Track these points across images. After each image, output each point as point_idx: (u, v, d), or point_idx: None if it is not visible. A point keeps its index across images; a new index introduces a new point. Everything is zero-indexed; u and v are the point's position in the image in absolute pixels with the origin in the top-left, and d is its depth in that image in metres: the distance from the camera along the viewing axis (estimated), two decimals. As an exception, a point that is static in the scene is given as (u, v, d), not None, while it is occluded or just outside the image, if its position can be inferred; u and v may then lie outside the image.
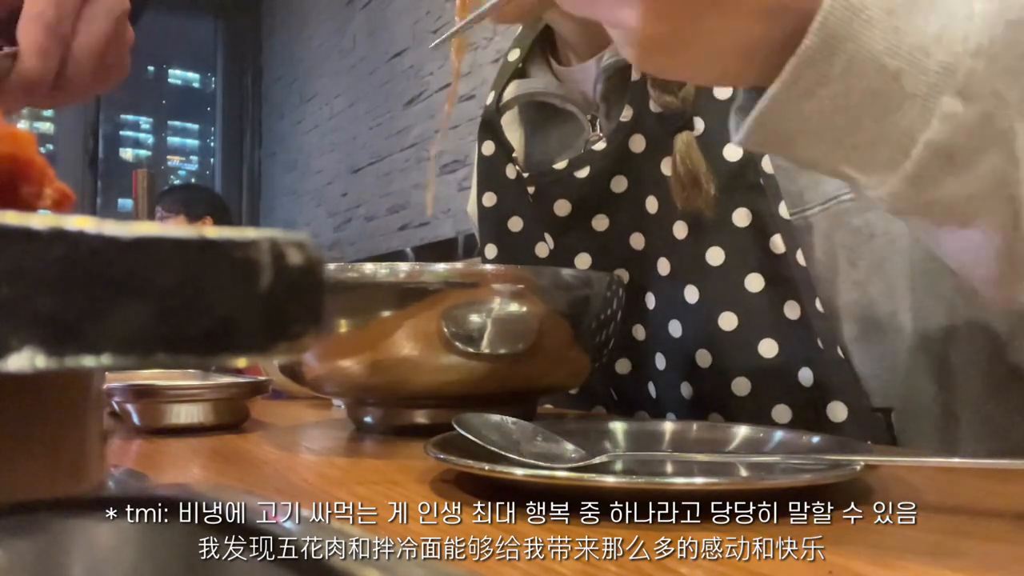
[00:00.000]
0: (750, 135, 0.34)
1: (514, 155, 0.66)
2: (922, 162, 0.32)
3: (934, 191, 0.33)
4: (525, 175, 0.65)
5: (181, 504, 0.15)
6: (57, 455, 0.21)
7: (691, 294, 0.57)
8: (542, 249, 0.65)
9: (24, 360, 0.12)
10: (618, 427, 0.44)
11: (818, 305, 0.53)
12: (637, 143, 0.59)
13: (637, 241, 0.61)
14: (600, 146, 0.61)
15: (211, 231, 0.14)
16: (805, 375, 0.52)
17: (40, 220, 0.13)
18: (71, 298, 0.13)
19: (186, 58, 4.80)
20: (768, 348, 0.53)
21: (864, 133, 0.33)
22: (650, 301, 0.61)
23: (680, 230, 0.57)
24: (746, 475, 0.36)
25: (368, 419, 0.56)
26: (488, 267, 0.50)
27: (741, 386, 0.55)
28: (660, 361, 0.61)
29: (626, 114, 0.59)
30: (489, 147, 0.68)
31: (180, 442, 0.53)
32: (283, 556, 0.13)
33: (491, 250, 0.67)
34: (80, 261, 0.13)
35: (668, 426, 0.44)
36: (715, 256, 0.55)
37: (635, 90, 0.58)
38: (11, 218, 0.12)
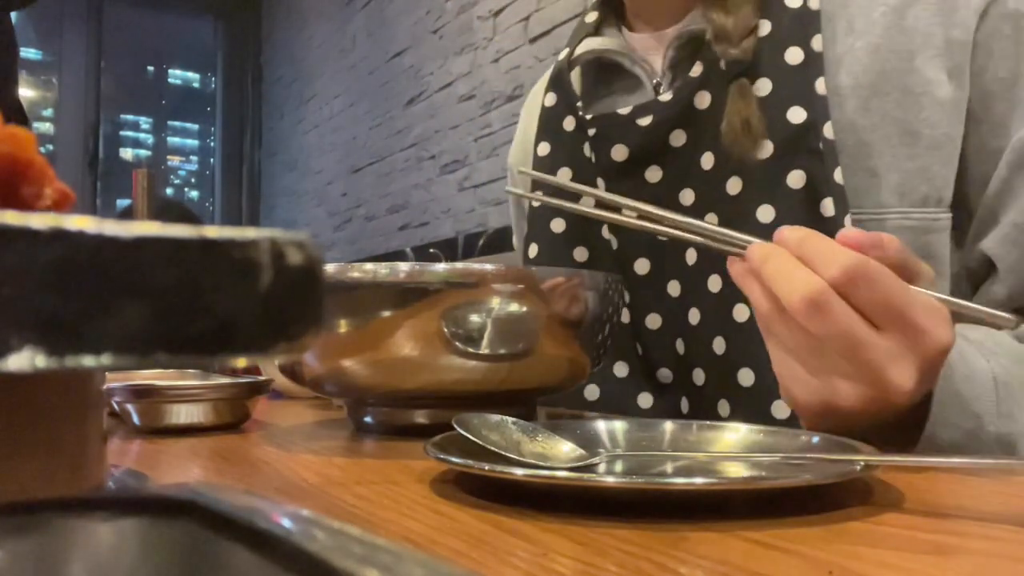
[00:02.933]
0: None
1: (578, 104, 0.68)
2: None
3: None
4: (588, 117, 0.66)
5: (181, 504, 0.15)
6: (57, 455, 0.21)
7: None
8: (588, 200, 0.66)
9: (24, 360, 0.12)
10: (618, 427, 0.44)
11: None
12: (702, 99, 0.61)
13: (686, 196, 0.63)
14: (666, 97, 0.63)
15: (211, 231, 0.14)
16: None
17: (40, 220, 0.13)
18: (71, 298, 0.13)
19: (186, 58, 4.80)
20: None
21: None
22: (690, 257, 0.63)
23: (733, 186, 0.59)
24: (746, 475, 0.36)
25: (368, 419, 0.56)
26: (488, 267, 0.50)
27: None
28: (694, 316, 0.62)
29: (696, 70, 0.62)
30: (551, 98, 0.70)
31: (180, 442, 0.53)
32: (283, 556, 0.13)
33: (540, 195, 0.69)
34: (80, 261, 0.13)
35: (668, 426, 0.44)
36: (765, 213, 0.57)
37: (708, 49, 0.61)
38: (11, 218, 0.12)
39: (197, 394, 0.57)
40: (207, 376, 0.65)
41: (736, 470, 0.38)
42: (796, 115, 0.57)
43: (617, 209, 0.53)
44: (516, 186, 0.81)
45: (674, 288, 0.64)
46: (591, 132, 0.66)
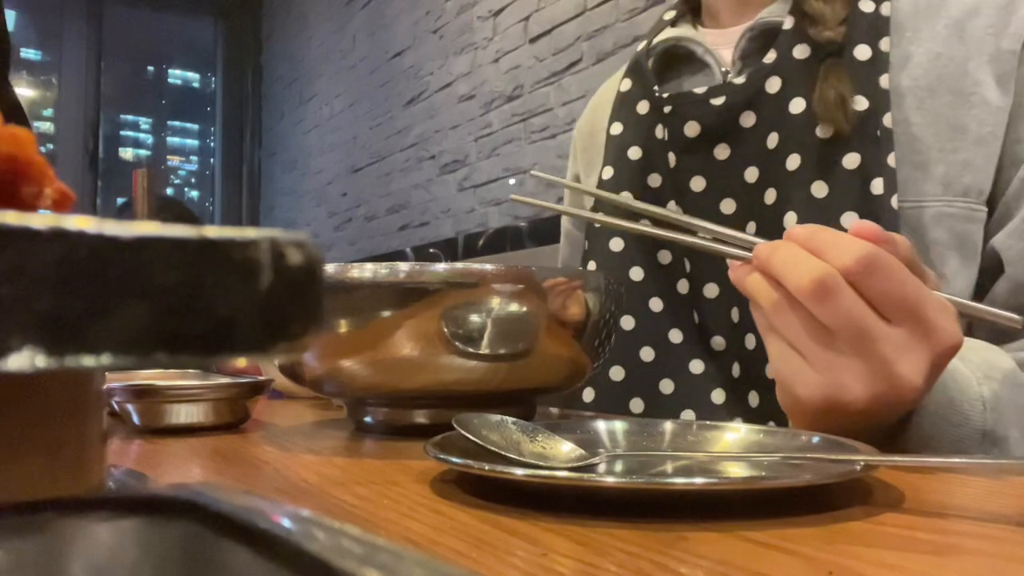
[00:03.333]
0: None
1: (654, 87, 0.74)
2: None
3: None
4: (665, 95, 0.72)
5: (181, 504, 0.15)
6: (57, 455, 0.21)
7: (790, 221, 0.63)
8: (654, 179, 0.72)
9: (24, 360, 0.12)
10: (618, 427, 0.44)
11: None
12: (773, 84, 0.66)
13: (751, 174, 0.68)
14: (740, 80, 0.68)
15: (211, 231, 0.14)
16: None
17: (40, 220, 0.13)
18: (71, 298, 0.13)
19: (186, 58, 4.80)
20: None
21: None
22: (751, 228, 0.67)
23: (792, 162, 0.63)
24: (746, 475, 0.36)
25: (368, 419, 0.56)
26: (488, 267, 0.50)
27: None
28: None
29: (769, 57, 0.67)
30: (627, 84, 0.77)
31: (180, 442, 0.53)
32: (283, 556, 0.13)
33: (608, 171, 0.74)
34: (80, 261, 0.13)
35: (668, 426, 0.44)
36: (819, 189, 0.62)
37: (783, 38, 0.67)
38: (11, 218, 0.12)
39: (197, 394, 0.57)
40: (207, 376, 0.64)
41: (736, 470, 0.38)
42: (859, 103, 0.61)
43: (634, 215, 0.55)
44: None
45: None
46: (667, 109, 0.71)
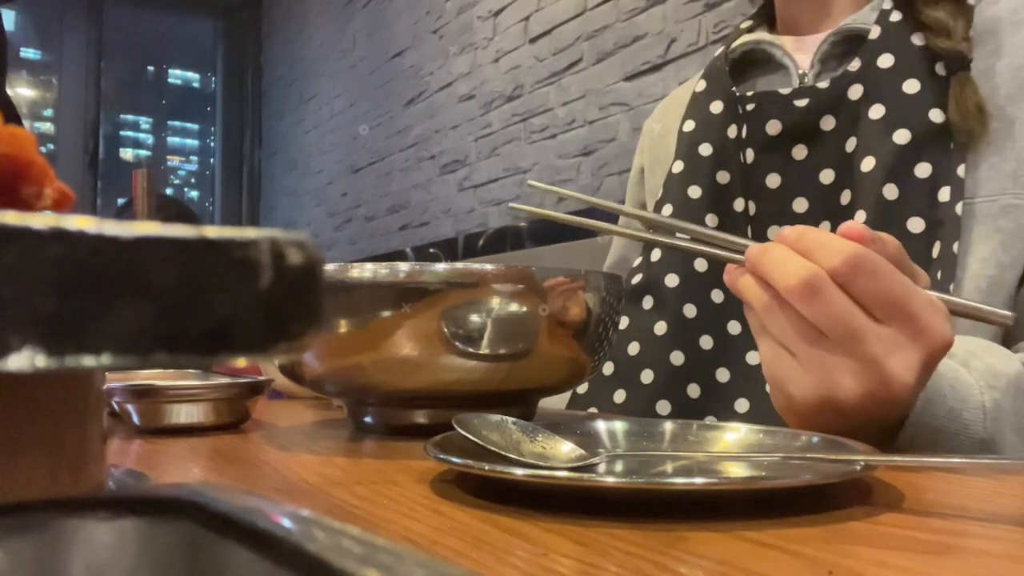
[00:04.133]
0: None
1: (733, 88, 0.76)
2: None
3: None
4: (749, 94, 0.74)
5: (181, 504, 0.15)
6: (57, 455, 0.21)
7: (860, 220, 0.64)
8: (723, 176, 0.74)
9: (24, 360, 0.12)
10: (618, 427, 0.44)
11: (955, 248, 0.61)
12: (855, 91, 0.68)
13: (826, 176, 0.70)
14: (824, 84, 0.71)
15: (211, 231, 0.14)
16: None
17: (40, 220, 0.13)
18: (71, 298, 0.13)
19: (186, 58, 4.80)
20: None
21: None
22: (824, 227, 0.69)
23: (867, 164, 0.66)
24: (746, 475, 0.36)
25: (368, 419, 0.56)
26: (488, 267, 0.50)
27: None
28: None
29: (854, 65, 0.69)
30: (702, 85, 0.80)
31: (180, 442, 0.53)
32: (283, 556, 0.13)
33: (678, 165, 0.77)
34: (80, 261, 0.13)
35: (668, 426, 0.44)
36: (890, 192, 0.64)
37: (869, 46, 0.69)
38: (11, 218, 0.12)
39: (197, 394, 0.57)
40: (207, 376, 0.64)
41: (736, 470, 0.38)
42: (936, 115, 0.64)
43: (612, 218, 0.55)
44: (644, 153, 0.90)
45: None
46: (749, 107, 0.73)
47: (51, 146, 4.13)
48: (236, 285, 0.14)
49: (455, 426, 0.37)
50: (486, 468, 0.32)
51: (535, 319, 0.50)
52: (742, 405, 0.69)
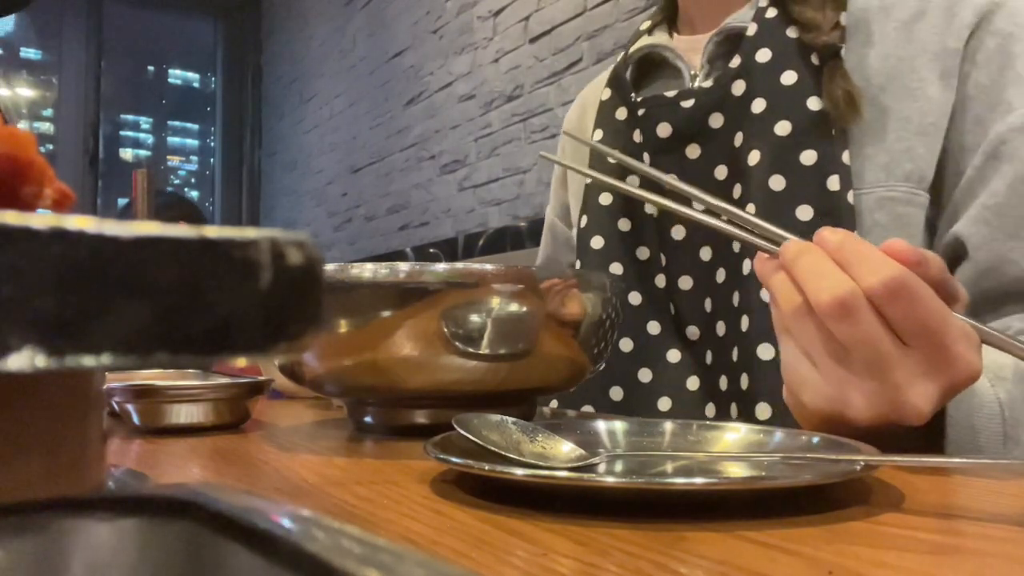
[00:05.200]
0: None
1: (632, 95, 0.78)
2: None
3: None
4: (639, 99, 0.76)
5: (181, 504, 0.15)
6: (57, 455, 0.21)
7: (750, 211, 0.65)
8: (632, 181, 0.74)
9: (24, 360, 0.12)
10: (618, 427, 0.44)
11: None
12: (738, 87, 0.70)
13: (720, 172, 0.71)
14: (707, 84, 0.73)
15: (211, 231, 0.14)
16: None
17: (40, 220, 0.13)
18: (71, 298, 0.13)
19: (186, 58, 4.80)
20: None
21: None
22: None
23: (752, 158, 0.67)
24: (746, 475, 0.36)
25: (368, 419, 0.56)
26: (488, 267, 0.50)
27: None
28: (720, 275, 0.70)
29: (735, 62, 0.71)
30: (607, 93, 0.81)
31: (180, 442, 0.53)
32: (283, 556, 0.13)
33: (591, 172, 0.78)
34: (80, 261, 0.13)
35: (668, 426, 0.44)
36: (777, 183, 0.65)
37: (746, 43, 0.70)
38: (11, 218, 0.12)
39: (197, 394, 0.57)
40: (207, 376, 0.64)
41: (736, 470, 0.38)
42: (814, 104, 0.65)
43: (660, 188, 0.57)
44: (565, 155, 0.92)
45: (706, 253, 0.71)
46: (640, 112, 0.75)
47: (51, 146, 4.13)
48: (236, 285, 0.14)
49: (455, 426, 0.37)
50: (486, 468, 0.32)
51: (535, 319, 0.50)
52: (664, 404, 0.71)
